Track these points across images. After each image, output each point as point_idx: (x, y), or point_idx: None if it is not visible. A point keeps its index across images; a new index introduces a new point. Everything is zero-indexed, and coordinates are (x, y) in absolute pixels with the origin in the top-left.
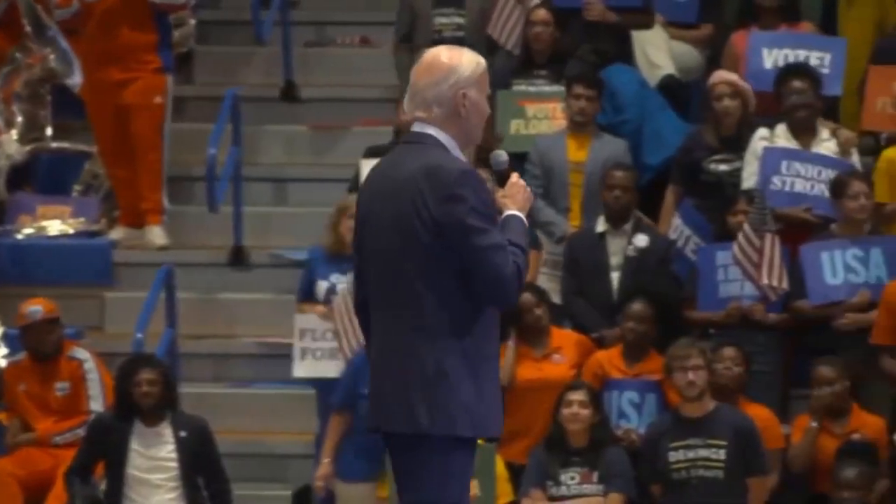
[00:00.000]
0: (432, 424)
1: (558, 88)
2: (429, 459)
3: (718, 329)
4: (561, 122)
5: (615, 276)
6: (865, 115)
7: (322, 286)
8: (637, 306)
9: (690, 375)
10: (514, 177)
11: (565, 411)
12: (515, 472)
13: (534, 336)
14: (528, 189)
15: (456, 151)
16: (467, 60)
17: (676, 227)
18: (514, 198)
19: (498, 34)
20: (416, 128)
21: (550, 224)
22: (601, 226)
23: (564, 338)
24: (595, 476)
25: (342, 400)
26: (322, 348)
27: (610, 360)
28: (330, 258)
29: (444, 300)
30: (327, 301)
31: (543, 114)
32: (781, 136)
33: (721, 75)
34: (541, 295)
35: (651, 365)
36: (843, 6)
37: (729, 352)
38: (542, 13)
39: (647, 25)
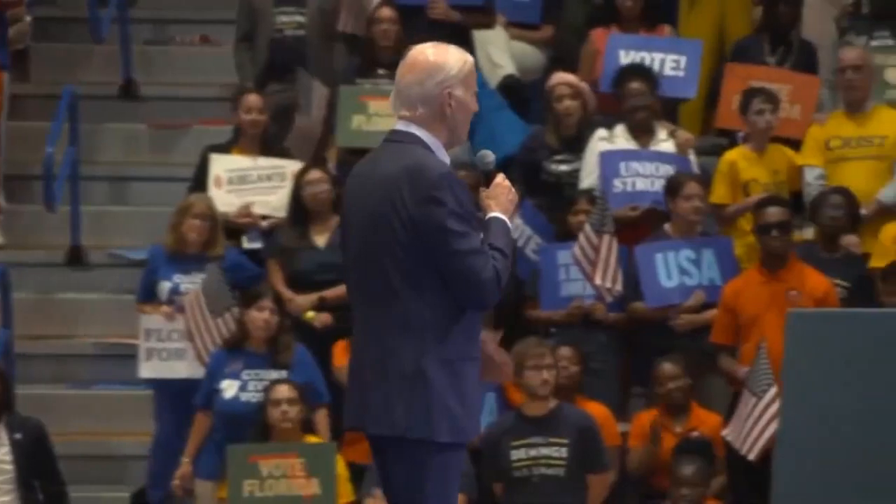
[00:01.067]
0: (409, 427)
1: None
2: (405, 462)
3: (560, 328)
4: None
5: None
6: (721, 114)
7: (164, 286)
8: None
9: (545, 374)
10: (499, 177)
11: None
12: (358, 473)
13: None
14: (513, 190)
15: (440, 151)
16: (454, 58)
17: (517, 227)
18: (498, 199)
19: (351, 27)
20: (400, 126)
21: None
22: None
23: None
24: None
25: (202, 399)
26: (168, 349)
27: None
28: (171, 258)
29: (424, 299)
30: (170, 301)
31: (385, 111)
32: (620, 137)
33: (560, 76)
34: None
35: None
36: (685, 7)
37: (565, 351)
38: (386, 11)
39: (489, 25)
